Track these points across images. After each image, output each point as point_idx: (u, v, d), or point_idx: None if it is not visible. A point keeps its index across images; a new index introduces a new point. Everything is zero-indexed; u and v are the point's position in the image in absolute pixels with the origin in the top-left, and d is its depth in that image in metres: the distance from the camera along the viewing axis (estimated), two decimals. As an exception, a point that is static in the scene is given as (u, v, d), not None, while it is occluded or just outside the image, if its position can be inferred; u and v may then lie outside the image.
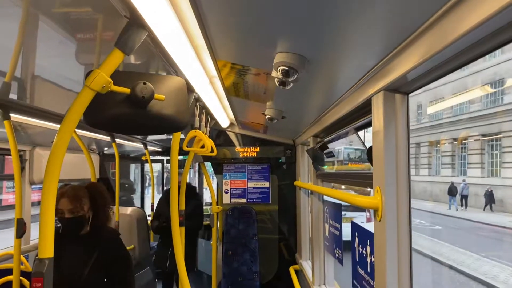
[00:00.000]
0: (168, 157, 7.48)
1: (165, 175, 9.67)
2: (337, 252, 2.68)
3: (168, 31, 1.36)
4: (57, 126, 3.03)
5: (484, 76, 22.86)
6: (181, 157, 2.55)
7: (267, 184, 4.80)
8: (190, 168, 3.88)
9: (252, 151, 4.76)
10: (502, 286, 9.28)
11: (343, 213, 2.68)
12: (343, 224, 2.64)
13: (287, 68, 1.45)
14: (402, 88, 1.43)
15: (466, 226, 17.61)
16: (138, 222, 4.92)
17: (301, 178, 4.20)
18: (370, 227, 1.76)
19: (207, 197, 8.30)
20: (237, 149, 4.78)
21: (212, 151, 2.81)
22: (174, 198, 2.35)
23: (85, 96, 1.17)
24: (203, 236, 6.54)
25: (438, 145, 27.46)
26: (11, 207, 14.44)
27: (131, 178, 8.51)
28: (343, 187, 5.40)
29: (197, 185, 8.10)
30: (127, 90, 1.31)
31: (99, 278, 2.51)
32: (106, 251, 2.57)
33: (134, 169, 8.64)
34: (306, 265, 3.99)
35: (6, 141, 3.56)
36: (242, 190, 4.81)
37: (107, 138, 4.34)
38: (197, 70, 1.91)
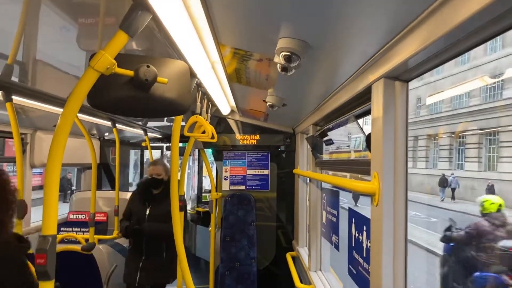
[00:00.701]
0: (168, 144, 7.51)
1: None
2: (334, 238, 2.73)
3: (172, 14, 1.38)
4: (58, 110, 3.07)
5: (483, 71, 22.82)
6: (180, 144, 2.57)
7: (266, 172, 4.83)
8: (189, 156, 3.90)
9: (252, 139, 4.78)
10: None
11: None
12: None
13: (289, 53, 1.47)
14: (402, 76, 1.45)
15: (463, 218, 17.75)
16: None
17: (300, 166, 4.24)
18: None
19: (206, 184, 8.33)
20: (237, 137, 4.80)
21: (212, 137, 2.83)
22: (174, 183, 2.38)
23: (89, 77, 1.19)
24: (202, 222, 6.61)
25: (436, 138, 27.49)
26: (10, 191, 14.46)
27: (130, 164, 8.51)
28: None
29: (196, 173, 8.13)
30: (130, 73, 1.32)
31: None
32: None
33: (133, 155, 8.63)
34: (303, 252, 4.04)
35: (7, 124, 3.59)
36: (242, 177, 4.84)
37: (108, 123, 4.35)
38: (199, 54, 1.92)
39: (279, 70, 1.61)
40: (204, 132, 2.76)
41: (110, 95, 1.38)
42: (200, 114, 2.72)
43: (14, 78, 2.33)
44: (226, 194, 4.68)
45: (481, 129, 23.13)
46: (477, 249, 4.90)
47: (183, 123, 2.38)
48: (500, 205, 5.06)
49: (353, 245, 2.08)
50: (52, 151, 1.17)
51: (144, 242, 3.76)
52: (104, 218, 4.78)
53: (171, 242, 3.21)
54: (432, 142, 28.18)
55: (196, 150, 7.45)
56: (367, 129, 1.87)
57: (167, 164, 3.69)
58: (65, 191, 18.01)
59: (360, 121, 2.42)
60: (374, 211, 1.55)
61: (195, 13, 1.41)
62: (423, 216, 17.66)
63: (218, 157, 4.90)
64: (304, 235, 4.27)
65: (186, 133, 2.73)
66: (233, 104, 3.78)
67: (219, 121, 4.73)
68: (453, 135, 25.85)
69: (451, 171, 24.62)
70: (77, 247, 3.51)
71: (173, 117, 2.26)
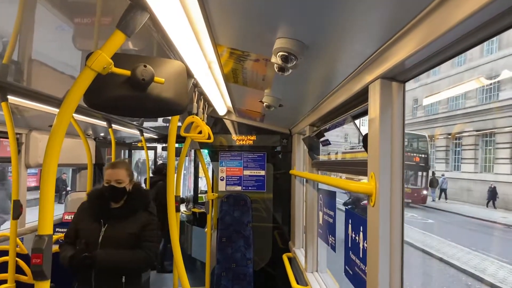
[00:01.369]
0: (164, 145, 7.49)
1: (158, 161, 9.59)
2: (330, 239, 2.73)
3: (169, 14, 1.37)
4: (54, 110, 3.06)
5: (479, 72, 22.92)
6: (176, 145, 2.57)
7: (262, 173, 4.83)
8: (185, 156, 3.89)
9: (249, 140, 4.78)
10: (491, 279, 9.44)
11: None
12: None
13: (286, 54, 1.47)
14: (399, 76, 1.45)
15: (459, 220, 17.83)
16: None
17: (297, 167, 4.24)
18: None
19: (202, 185, 8.31)
20: (233, 137, 4.80)
21: (209, 137, 2.83)
22: (170, 183, 2.37)
23: (86, 76, 1.19)
24: (198, 223, 6.59)
25: (433, 140, 27.57)
26: (5, 191, 14.39)
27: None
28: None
29: (192, 174, 8.11)
30: (127, 72, 1.32)
31: None
32: None
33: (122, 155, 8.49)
34: (299, 253, 4.04)
35: (2, 124, 3.57)
36: (238, 177, 4.84)
37: (104, 123, 4.34)
38: (196, 55, 1.92)
39: (276, 70, 1.61)
40: (200, 132, 2.76)
41: (107, 94, 1.37)
42: (197, 115, 2.72)
43: (9, 78, 2.32)
44: (222, 195, 4.67)
45: (477, 131, 23.23)
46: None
47: (179, 124, 2.38)
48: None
49: (349, 245, 2.08)
50: (48, 151, 1.17)
51: (95, 277, 2.64)
52: None
53: (133, 276, 2.68)
54: (428, 143, 28.28)
55: (192, 151, 7.45)
56: (363, 130, 1.88)
57: (131, 168, 2.91)
58: (60, 192, 17.93)
59: (357, 122, 2.42)
60: (371, 211, 1.55)
61: (192, 13, 1.41)
62: (419, 217, 17.72)
63: (214, 157, 4.89)
64: (300, 236, 4.27)
65: (182, 134, 2.72)
66: (230, 104, 3.78)
67: (215, 122, 4.72)
68: (449, 136, 25.94)
69: (452, 172, 24.75)
70: None
71: (169, 118, 2.25)
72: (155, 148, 8.26)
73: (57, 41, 1.83)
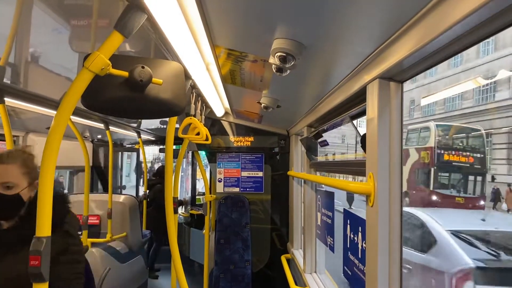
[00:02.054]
0: (162, 146, 7.48)
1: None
2: (329, 240, 2.73)
3: (167, 14, 1.37)
4: (50, 112, 3.05)
5: (476, 73, 23.02)
6: (174, 147, 2.57)
7: (260, 174, 4.82)
8: (183, 158, 3.87)
9: (246, 141, 4.78)
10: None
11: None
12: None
13: (284, 54, 1.47)
14: (397, 76, 1.46)
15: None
16: (131, 209, 4.93)
17: (295, 168, 4.24)
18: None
19: (199, 186, 8.30)
20: (231, 139, 4.80)
21: (207, 139, 2.83)
22: (168, 185, 2.37)
23: (83, 77, 1.18)
24: (196, 225, 6.59)
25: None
26: None
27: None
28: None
29: (189, 176, 8.10)
30: (125, 74, 1.32)
31: None
32: None
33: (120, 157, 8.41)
34: (298, 254, 4.03)
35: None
36: (236, 179, 4.83)
37: (101, 125, 4.33)
38: (194, 56, 1.92)
39: (274, 71, 1.61)
40: (198, 134, 2.76)
41: (104, 96, 1.37)
42: (194, 116, 2.71)
43: (6, 80, 2.31)
44: (220, 197, 4.67)
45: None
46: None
47: (177, 125, 2.38)
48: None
49: (348, 246, 2.08)
50: (46, 153, 1.16)
51: None
52: (97, 221, 4.74)
53: None
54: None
55: (190, 153, 7.44)
56: (361, 131, 1.88)
57: (33, 163, 1.98)
58: (57, 194, 17.84)
59: (354, 122, 2.43)
60: (370, 212, 1.55)
61: (190, 13, 1.41)
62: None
63: (212, 159, 4.89)
64: (299, 237, 4.26)
65: (180, 135, 2.72)
66: (227, 105, 3.78)
67: (213, 123, 4.72)
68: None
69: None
70: None
71: (167, 120, 2.25)
72: (137, 150, 8.04)
73: (53, 43, 1.83)
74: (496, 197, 19.07)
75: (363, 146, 1.66)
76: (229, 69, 2.22)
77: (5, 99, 2.49)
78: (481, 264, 5.08)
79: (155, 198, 6.53)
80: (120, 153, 7.68)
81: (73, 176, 5.93)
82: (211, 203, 4.54)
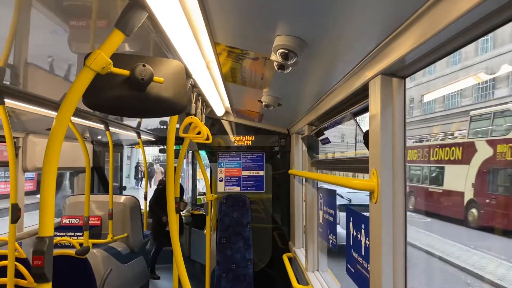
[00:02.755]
0: (161, 147, 7.47)
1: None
2: (331, 238, 2.72)
3: (168, 12, 1.37)
4: (50, 113, 3.04)
5: (475, 70, 23.00)
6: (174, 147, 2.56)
7: (261, 173, 4.82)
8: (183, 158, 3.86)
9: (247, 140, 4.77)
10: (490, 276, 9.44)
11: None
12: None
13: (286, 51, 1.46)
14: (399, 72, 1.45)
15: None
16: (132, 210, 4.93)
17: (295, 167, 4.23)
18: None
19: (200, 186, 8.29)
20: (231, 138, 4.79)
21: (207, 138, 2.82)
22: (170, 185, 2.36)
23: (85, 76, 1.18)
24: (197, 225, 6.58)
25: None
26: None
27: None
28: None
29: (190, 176, 8.09)
30: (126, 72, 1.31)
31: None
32: None
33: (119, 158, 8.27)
34: (300, 253, 4.03)
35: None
36: (237, 178, 4.82)
37: (101, 126, 4.32)
38: (195, 54, 1.91)
39: (276, 68, 1.60)
40: (199, 133, 2.75)
41: (106, 94, 1.37)
42: (195, 115, 2.71)
43: (6, 81, 2.30)
44: (221, 196, 4.66)
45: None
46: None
47: (177, 125, 2.37)
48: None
49: (351, 243, 2.07)
50: (48, 153, 1.16)
51: None
52: (98, 222, 4.74)
53: None
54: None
55: (190, 153, 7.43)
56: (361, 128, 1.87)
57: None
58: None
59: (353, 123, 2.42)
60: (373, 208, 1.55)
61: (191, 11, 1.41)
62: (416, 216, 17.75)
63: (212, 158, 4.88)
64: (300, 235, 4.26)
65: (181, 134, 2.71)
66: (228, 104, 3.77)
67: (213, 123, 4.71)
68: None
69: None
70: (71, 252, 3.48)
71: (166, 120, 2.25)
72: (120, 151, 7.87)
73: (52, 44, 1.83)
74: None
75: (366, 143, 1.65)
76: (229, 67, 2.21)
77: (5, 100, 2.48)
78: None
79: (158, 198, 6.56)
80: (120, 153, 7.65)
81: (74, 177, 5.92)
82: (212, 202, 4.53)
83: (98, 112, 3.41)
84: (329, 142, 2.94)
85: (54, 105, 2.85)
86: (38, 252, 1.16)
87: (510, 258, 10.00)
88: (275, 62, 1.57)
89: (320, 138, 2.96)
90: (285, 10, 1.28)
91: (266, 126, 4.73)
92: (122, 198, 4.99)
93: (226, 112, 4.46)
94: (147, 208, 6.46)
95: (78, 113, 3.30)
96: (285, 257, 4.13)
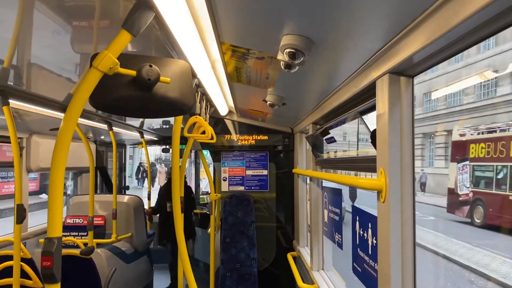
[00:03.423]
0: (163, 146, 7.47)
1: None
2: (337, 236, 2.71)
3: (175, 12, 1.36)
4: (54, 113, 3.04)
5: (477, 68, 22.91)
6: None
7: (265, 172, 4.82)
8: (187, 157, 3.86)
9: (251, 139, 4.77)
10: (493, 275, 9.42)
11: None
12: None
13: (294, 50, 1.46)
14: (407, 71, 1.44)
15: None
16: (135, 210, 4.94)
17: (299, 166, 4.22)
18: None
19: (203, 186, 8.30)
20: (235, 137, 4.79)
21: (212, 138, 2.82)
22: (175, 184, 2.36)
23: (92, 77, 1.17)
24: (200, 225, 6.58)
25: (432, 136, 27.54)
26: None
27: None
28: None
29: (193, 175, 8.09)
30: (133, 73, 1.31)
31: None
32: None
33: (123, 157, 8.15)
34: (304, 252, 4.03)
35: (2, 128, 3.55)
36: (241, 177, 4.83)
37: (104, 126, 4.33)
38: (200, 54, 1.91)
39: (283, 67, 1.60)
40: (203, 133, 2.75)
41: (112, 95, 1.36)
42: (199, 115, 2.70)
43: (10, 82, 2.31)
44: (225, 195, 4.66)
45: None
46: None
47: (181, 126, 2.37)
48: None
49: (357, 243, 2.07)
50: (56, 154, 1.15)
51: None
52: (102, 222, 4.74)
53: None
54: (427, 140, 28.25)
55: (193, 152, 7.44)
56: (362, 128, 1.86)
57: None
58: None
59: (357, 120, 2.41)
60: (381, 208, 1.54)
61: (198, 11, 1.40)
62: (420, 214, 17.71)
63: (216, 158, 4.88)
64: (305, 234, 4.25)
65: (186, 134, 2.71)
66: (232, 104, 3.77)
67: (216, 122, 4.71)
68: (448, 133, 25.90)
69: (447, 169, 24.68)
70: (76, 251, 3.48)
71: (169, 119, 2.25)
72: (123, 151, 7.69)
73: (56, 45, 1.83)
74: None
75: (373, 142, 1.64)
76: (235, 66, 2.20)
77: (9, 100, 2.49)
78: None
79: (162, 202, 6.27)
80: (123, 153, 7.65)
81: (77, 177, 5.93)
82: (216, 202, 4.54)
83: (102, 112, 3.41)
84: (335, 141, 2.94)
85: (58, 105, 2.86)
86: (47, 253, 1.16)
87: None
88: (281, 62, 1.56)
89: (326, 137, 2.95)
90: (293, 9, 1.27)
91: (270, 125, 4.73)
92: (125, 198, 4.99)
93: (230, 112, 4.45)
94: (154, 205, 6.31)
95: (81, 113, 3.30)
96: (289, 256, 4.13)
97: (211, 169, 4.99)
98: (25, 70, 2.19)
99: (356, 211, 2.11)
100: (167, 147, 7.36)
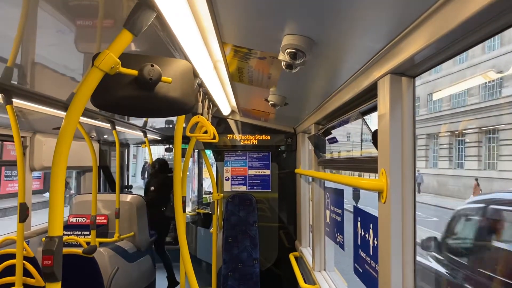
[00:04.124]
0: (166, 146, 7.49)
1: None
2: (339, 237, 2.71)
3: (176, 12, 1.37)
4: (57, 112, 3.05)
5: (482, 69, 22.79)
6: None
7: (267, 172, 4.82)
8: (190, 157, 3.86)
9: (253, 139, 4.77)
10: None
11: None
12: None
13: (295, 50, 1.46)
14: (409, 71, 1.44)
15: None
16: (138, 209, 4.94)
17: (302, 166, 4.22)
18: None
19: (205, 185, 8.30)
20: (237, 137, 4.79)
21: (214, 137, 2.83)
22: (177, 183, 2.37)
23: (93, 76, 1.18)
24: (203, 224, 6.58)
25: (435, 137, 27.44)
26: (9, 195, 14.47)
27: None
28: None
29: (196, 175, 8.10)
30: (134, 72, 1.31)
31: None
32: None
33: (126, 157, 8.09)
34: (306, 252, 4.02)
35: (6, 127, 3.57)
36: (243, 177, 4.83)
37: (107, 125, 4.34)
38: (202, 54, 1.91)
39: (284, 67, 1.60)
40: (205, 132, 2.75)
41: (114, 94, 1.37)
42: (202, 115, 2.71)
43: (14, 81, 2.32)
44: (227, 195, 4.66)
45: (480, 128, 23.10)
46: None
47: (184, 125, 2.37)
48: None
49: (359, 243, 2.06)
50: (57, 153, 1.16)
51: None
52: (105, 221, 4.76)
53: None
54: (431, 141, 28.13)
55: (196, 151, 7.44)
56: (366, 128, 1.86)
57: None
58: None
59: (360, 120, 2.40)
60: (382, 208, 1.54)
61: (199, 11, 1.40)
62: (423, 215, 17.64)
63: (218, 158, 4.89)
64: (307, 235, 4.25)
65: (188, 134, 2.72)
66: (234, 104, 3.77)
67: (219, 122, 4.72)
68: (452, 134, 25.81)
69: (455, 170, 24.62)
70: (79, 250, 3.49)
71: (173, 119, 2.25)
72: (127, 150, 7.64)
73: (59, 44, 1.83)
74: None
75: (375, 143, 1.64)
76: (237, 66, 2.21)
77: (13, 100, 2.50)
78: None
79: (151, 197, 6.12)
80: (126, 152, 7.67)
81: (80, 176, 5.95)
82: (219, 201, 4.54)
83: (105, 111, 3.42)
84: (337, 141, 2.93)
85: (61, 105, 2.87)
86: (48, 252, 1.16)
87: None
88: (283, 62, 1.56)
89: (328, 137, 2.95)
90: (294, 9, 1.27)
91: (272, 125, 4.73)
92: (128, 197, 5.00)
93: (232, 111, 4.45)
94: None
95: (84, 112, 3.30)
96: (291, 256, 4.12)
97: (213, 168, 5.00)
98: (29, 69, 2.20)
99: (357, 212, 2.11)
100: (170, 146, 7.37)
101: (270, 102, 2.73)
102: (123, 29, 1.18)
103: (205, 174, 8.04)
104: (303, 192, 4.30)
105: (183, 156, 2.96)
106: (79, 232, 4.60)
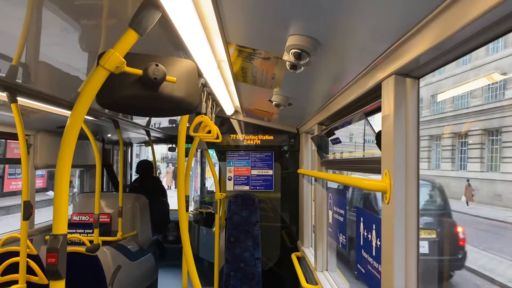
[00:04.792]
0: (170, 145, 7.50)
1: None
2: (341, 238, 2.71)
3: (181, 12, 1.37)
4: (61, 111, 3.07)
5: (485, 71, 22.71)
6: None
7: (270, 172, 4.82)
8: (193, 157, 3.86)
9: (256, 139, 4.78)
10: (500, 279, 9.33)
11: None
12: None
13: (299, 51, 1.46)
14: (413, 73, 1.44)
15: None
16: (141, 208, 4.96)
17: (305, 166, 4.22)
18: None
19: (208, 185, 8.31)
20: (241, 137, 4.80)
21: (217, 137, 2.83)
22: (181, 183, 2.37)
23: (99, 76, 1.18)
24: (205, 223, 6.59)
25: (438, 139, 27.36)
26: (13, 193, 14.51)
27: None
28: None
29: (199, 174, 8.10)
30: (139, 72, 1.32)
31: None
32: None
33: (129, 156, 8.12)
34: (308, 252, 4.02)
35: (10, 126, 3.59)
36: (246, 177, 4.84)
37: (111, 124, 4.35)
38: (206, 54, 1.91)
39: (288, 67, 1.60)
40: (209, 132, 2.76)
41: (118, 94, 1.37)
42: (205, 114, 2.71)
43: (18, 80, 2.33)
44: (230, 195, 4.67)
45: (483, 130, 23.02)
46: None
47: (188, 125, 2.38)
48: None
49: (361, 244, 2.06)
50: (62, 152, 1.17)
51: None
52: (108, 219, 4.77)
53: None
54: (434, 142, 28.05)
55: (199, 151, 7.45)
56: (368, 128, 1.86)
57: None
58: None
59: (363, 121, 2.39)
60: (386, 209, 1.54)
61: (204, 11, 1.41)
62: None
63: (221, 157, 4.90)
64: (309, 235, 4.25)
65: (191, 133, 2.72)
66: (237, 104, 3.77)
67: (222, 122, 4.73)
68: (455, 136, 25.73)
69: (458, 172, 24.53)
70: (82, 249, 3.51)
71: (176, 118, 2.26)
72: (130, 149, 7.78)
73: (64, 43, 1.84)
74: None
75: (378, 143, 1.64)
76: (240, 66, 2.21)
77: (18, 98, 2.51)
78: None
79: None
80: (129, 152, 7.68)
81: (84, 175, 5.97)
82: (221, 201, 4.55)
83: (108, 111, 3.44)
84: (340, 142, 2.93)
85: (66, 103, 2.88)
86: (52, 250, 1.17)
87: None
88: (287, 62, 1.56)
89: (331, 138, 2.95)
90: (299, 9, 1.27)
91: (276, 125, 4.73)
92: (131, 196, 5.02)
93: (236, 111, 4.46)
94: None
95: (88, 111, 3.32)
96: (293, 256, 4.12)
97: (216, 168, 5.01)
98: (34, 68, 2.21)
99: (360, 212, 2.11)
100: (173, 146, 7.39)
101: (274, 102, 2.73)
102: (128, 29, 1.19)
103: (208, 173, 8.05)
104: (306, 192, 4.30)
105: (186, 155, 2.97)
106: (82, 231, 4.62)
